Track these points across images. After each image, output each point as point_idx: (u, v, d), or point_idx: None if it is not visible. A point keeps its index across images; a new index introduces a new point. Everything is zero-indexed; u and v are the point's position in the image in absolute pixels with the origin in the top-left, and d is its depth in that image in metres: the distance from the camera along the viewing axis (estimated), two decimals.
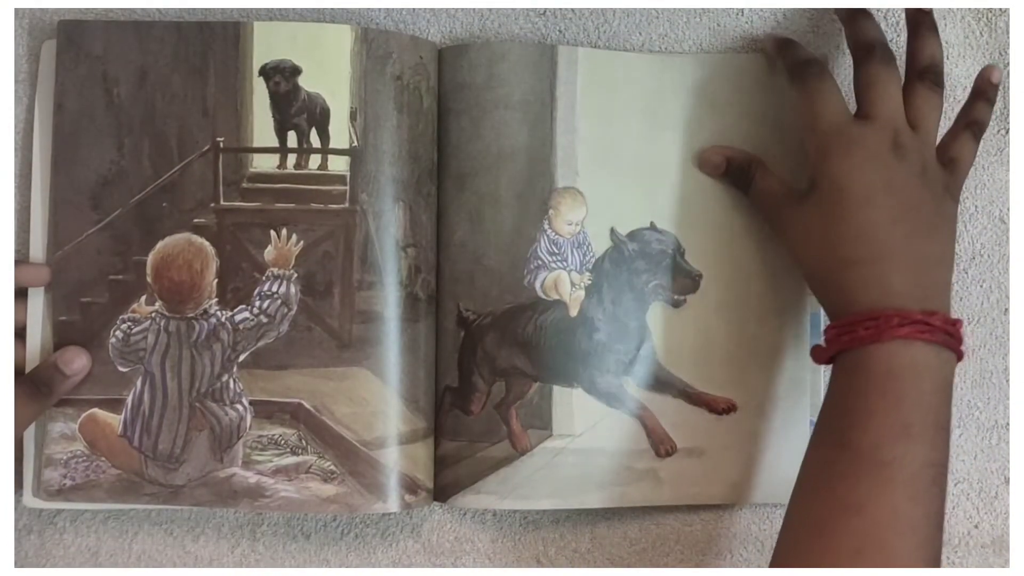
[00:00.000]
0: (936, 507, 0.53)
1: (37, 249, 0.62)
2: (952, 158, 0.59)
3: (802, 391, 0.64)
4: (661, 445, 0.63)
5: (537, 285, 0.63)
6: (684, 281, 0.64)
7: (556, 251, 0.63)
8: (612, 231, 0.63)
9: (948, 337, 0.54)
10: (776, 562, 0.55)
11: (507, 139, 0.62)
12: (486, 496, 0.62)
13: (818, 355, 0.58)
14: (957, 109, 0.66)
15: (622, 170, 0.64)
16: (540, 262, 0.62)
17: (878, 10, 0.66)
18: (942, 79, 0.60)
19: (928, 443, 0.53)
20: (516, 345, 0.63)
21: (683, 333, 0.64)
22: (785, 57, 0.62)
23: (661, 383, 0.63)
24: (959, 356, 0.55)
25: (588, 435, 0.63)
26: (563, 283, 0.63)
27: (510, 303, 0.62)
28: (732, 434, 0.63)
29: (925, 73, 0.60)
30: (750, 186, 0.63)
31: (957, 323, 0.55)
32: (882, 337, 0.53)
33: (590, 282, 0.63)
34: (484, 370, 0.63)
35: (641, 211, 0.64)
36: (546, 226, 0.63)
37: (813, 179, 0.57)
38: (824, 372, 0.64)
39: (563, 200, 0.63)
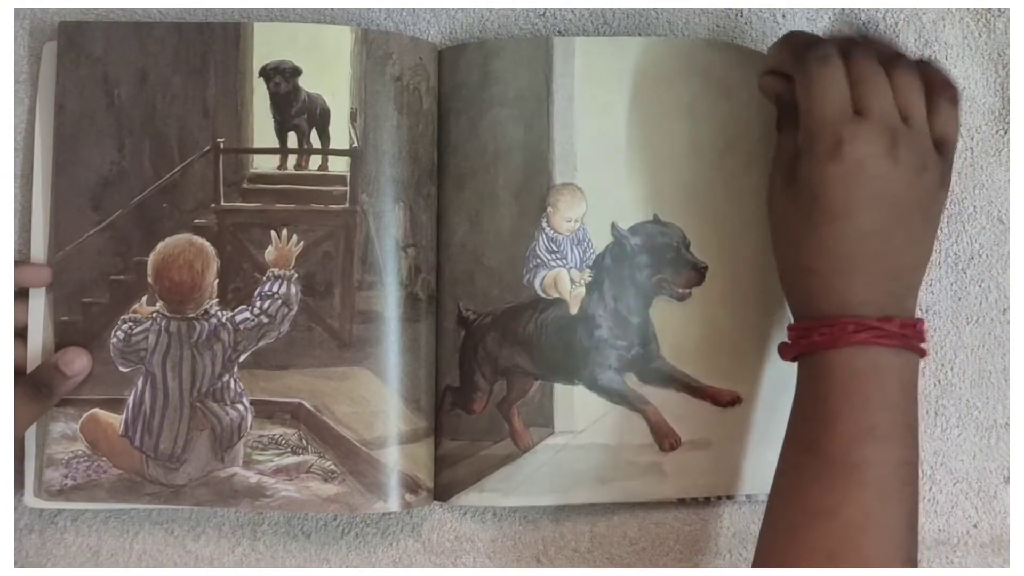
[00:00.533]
0: (909, 506, 0.53)
1: (38, 250, 0.62)
2: (940, 138, 0.56)
3: None
4: (665, 439, 0.63)
5: (536, 284, 0.63)
6: (689, 274, 0.63)
7: (555, 249, 0.63)
8: (613, 226, 0.63)
9: (906, 339, 0.53)
10: (755, 566, 0.55)
11: (503, 137, 0.63)
12: (489, 494, 0.62)
13: (783, 352, 0.57)
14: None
15: (623, 162, 0.63)
16: (539, 261, 0.63)
17: (876, 10, 0.66)
18: (911, 59, 0.56)
19: (897, 443, 0.53)
20: (517, 344, 0.63)
21: (687, 327, 0.63)
22: (788, 42, 0.57)
23: (664, 378, 0.63)
24: (922, 354, 0.55)
25: (590, 431, 0.62)
26: (562, 281, 0.63)
27: (510, 302, 0.62)
28: (738, 425, 0.63)
29: (895, 58, 0.56)
30: (777, 132, 0.60)
31: (918, 323, 0.54)
32: (837, 343, 0.53)
33: (591, 279, 0.63)
34: (486, 369, 0.63)
35: (644, 204, 0.63)
36: (544, 224, 0.63)
37: (798, 173, 0.55)
38: None
39: (561, 197, 0.63)
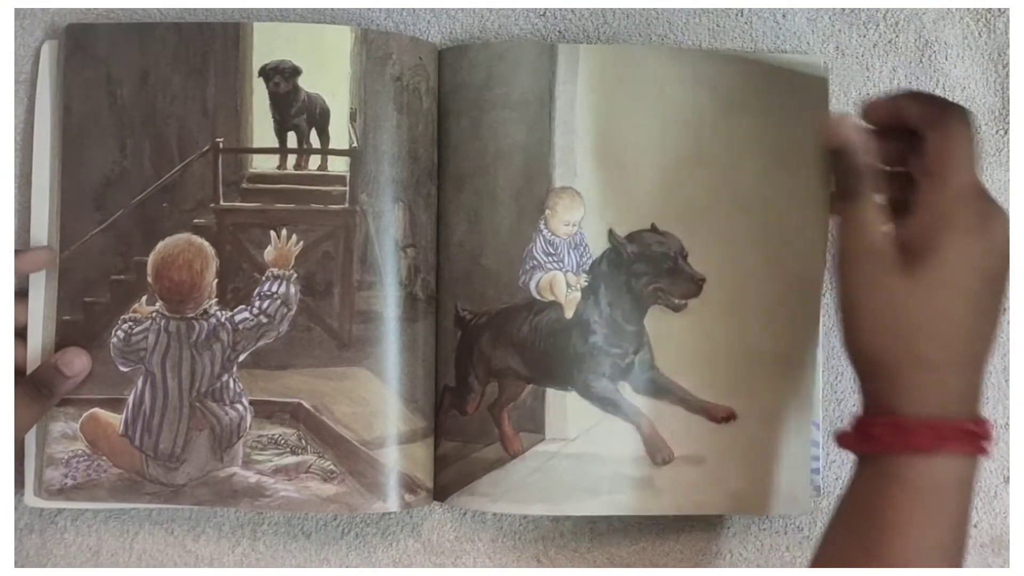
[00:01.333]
0: None
1: None
2: None
3: (806, 400, 0.62)
4: (658, 453, 0.62)
5: (532, 286, 0.62)
6: (686, 285, 0.63)
7: (552, 251, 0.62)
8: (610, 232, 0.63)
9: (990, 445, 0.51)
10: None
11: (505, 139, 0.62)
12: (479, 498, 0.62)
13: (847, 443, 0.53)
14: None
15: (624, 170, 0.63)
16: (536, 262, 0.62)
17: (876, 10, 0.66)
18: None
19: (955, 560, 0.50)
20: (511, 346, 0.63)
21: (683, 338, 0.62)
22: (916, 96, 0.54)
23: (659, 389, 0.62)
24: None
25: (582, 440, 0.62)
26: (558, 284, 0.63)
27: (506, 303, 0.62)
28: (733, 443, 0.62)
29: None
30: (846, 201, 0.54)
31: (988, 424, 0.51)
32: (935, 448, 0.49)
33: (587, 284, 0.63)
34: (479, 370, 0.63)
35: (642, 212, 0.63)
36: (542, 226, 0.62)
37: (927, 251, 0.50)
38: (824, 379, 0.64)
39: (560, 200, 0.63)
